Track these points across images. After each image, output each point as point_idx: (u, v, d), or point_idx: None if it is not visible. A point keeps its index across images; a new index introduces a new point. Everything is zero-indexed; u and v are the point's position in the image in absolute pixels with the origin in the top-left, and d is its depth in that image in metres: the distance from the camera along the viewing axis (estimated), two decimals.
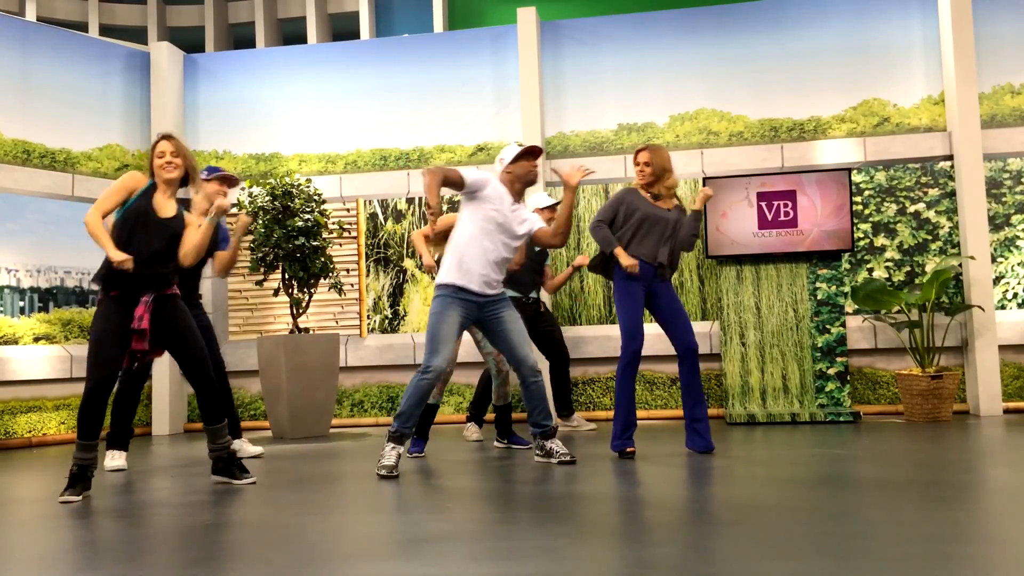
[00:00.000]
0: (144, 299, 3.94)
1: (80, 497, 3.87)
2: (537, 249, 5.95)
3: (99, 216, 3.91)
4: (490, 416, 6.43)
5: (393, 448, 4.25)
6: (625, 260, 4.54)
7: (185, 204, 4.25)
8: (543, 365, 6.90)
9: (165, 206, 4.04)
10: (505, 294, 4.48)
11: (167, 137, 4.11)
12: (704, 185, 6.51)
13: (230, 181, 5.28)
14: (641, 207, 4.67)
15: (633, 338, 4.56)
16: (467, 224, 4.34)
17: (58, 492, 4.12)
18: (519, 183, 4.44)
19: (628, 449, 4.59)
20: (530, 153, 4.47)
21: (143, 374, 4.97)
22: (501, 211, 4.34)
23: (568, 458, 4.42)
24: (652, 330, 5.17)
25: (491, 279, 4.35)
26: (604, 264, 4.75)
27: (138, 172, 4.08)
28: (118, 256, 3.78)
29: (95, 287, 3.85)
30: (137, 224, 3.95)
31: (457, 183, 4.30)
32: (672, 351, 6.50)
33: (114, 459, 4.95)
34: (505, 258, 4.40)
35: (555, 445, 4.48)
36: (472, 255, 4.30)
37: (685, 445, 4.74)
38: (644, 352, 4.69)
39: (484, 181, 4.34)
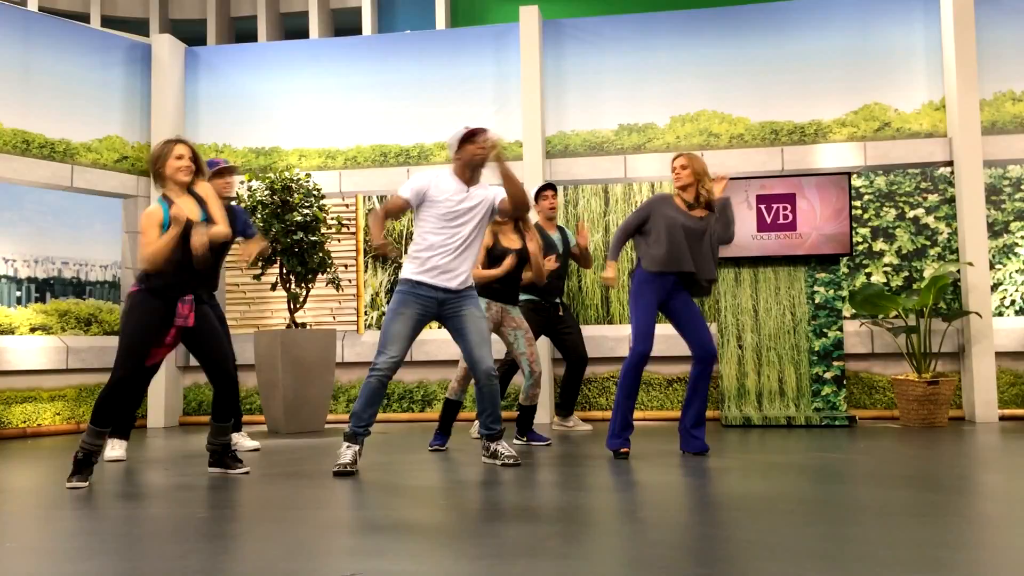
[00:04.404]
0: (188, 298, 4.03)
1: (87, 483, 3.90)
2: (561, 250, 5.96)
3: (151, 246, 3.96)
4: (511, 414, 6.47)
5: (348, 447, 4.25)
6: (607, 273, 4.62)
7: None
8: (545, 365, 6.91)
9: (190, 210, 4.08)
10: (472, 290, 4.41)
11: (183, 141, 4.17)
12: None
13: (231, 171, 5.30)
14: (670, 215, 4.57)
15: (642, 340, 4.52)
16: (423, 222, 4.33)
17: (53, 482, 4.13)
18: (468, 168, 4.36)
19: (623, 449, 4.58)
20: (470, 138, 4.36)
21: (154, 367, 5.00)
22: (451, 201, 4.29)
23: (512, 460, 4.39)
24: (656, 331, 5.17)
25: (454, 269, 4.28)
26: (642, 236, 4.68)
27: (152, 210, 4.05)
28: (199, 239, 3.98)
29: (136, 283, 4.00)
30: (184, 241, 4.01)
31: (402, 207, 4.33)
32: (670, 353, 6.54)
33: (113, 448, 4.98)
34: (468, 243, 4.32)
35: (500, 447, 4.45)
36: (430, 249, 4.27)
37: (680, 448, 4.73)
38: None
39: (423, 186, 4.30)
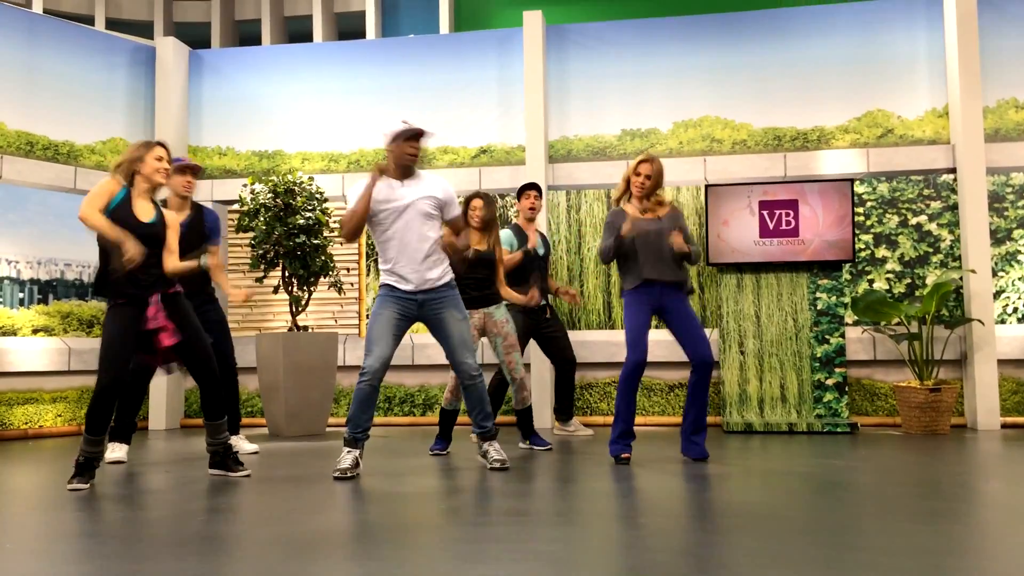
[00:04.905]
0: (153, 299, 4.02)
1: (88, 485, 3.93)
2: (542, 253, 5.94)
3: (96, 210, 3.92)
4: (508, 419, 6.48)
5: (348, 452, 4.25)
6: (624, 228, 4.46)
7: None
8: (536, 369, 6.91)
9: (144, 210, 4.06)
10: (452, 286, 4.39)
11: (162, 144, 4.16)
12: (707, 192, 6.50)
13: (193, 170, 5.12)
14: (634, 226, 4.56)
15: (635, 349, 4.50)
16: (375, 229, 4.33)
17: (54, 483, 4.14)
18: (396, 164, 4.32)
19: (623, 455, 4.58)
20: (412, 136, 4.31)
21: (151, 369, 4.99)
22: (388, 200, 4.26)
23: (500, 465, 4.39)
24: (653, 336, 5.16)
25: (420, 268, 4.26)
26: (617, 249, 4.60)
27: (112, 186, 4.02)
28: (133, 248, 3.83)
29: (98, 300, 3.95)
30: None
31: (364, 209, 4.22)
32: (671, 358, 6.52)
33: (114, 451, 4.99)
34: (426, 236, 4.27)
35: (491, 449, 4.47)
36: (394, 256, 4.27)
37: (681, 452, 4.72)
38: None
39: (363, 190, 4.25)
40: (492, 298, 5.24)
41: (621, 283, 4.71)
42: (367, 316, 7.46)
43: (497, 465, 4.39)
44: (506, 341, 5.18)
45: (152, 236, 4.03)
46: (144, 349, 4.07)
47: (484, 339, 5.57)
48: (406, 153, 4.31)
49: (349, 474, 4.17)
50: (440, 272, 4.34)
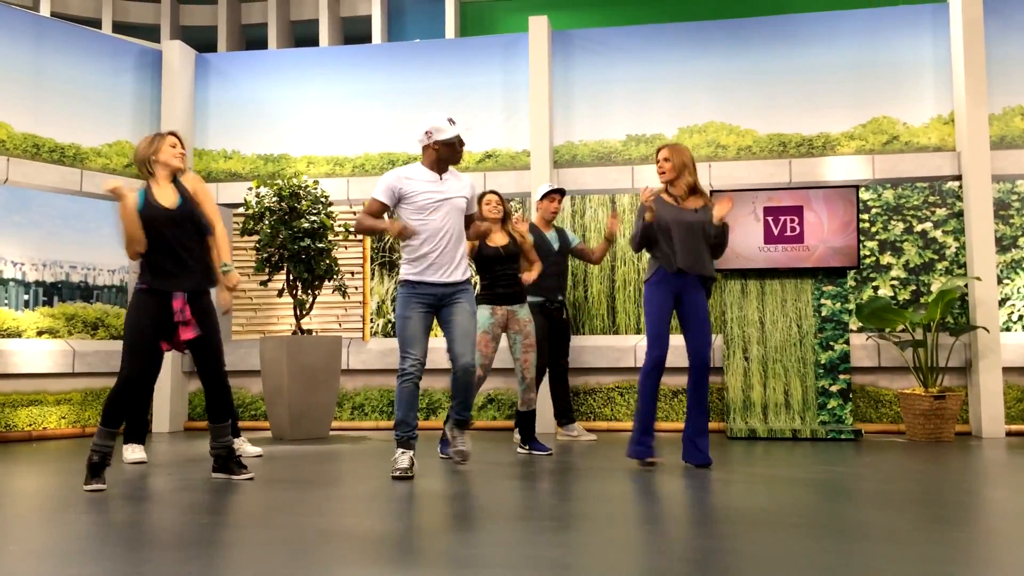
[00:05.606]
0: (180, 294, 4.05)
1: (106, 485, 3.92)
2: (557, 248, 5.99)
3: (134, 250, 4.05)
4: (509, 424, 6.50)
5: (403, 452, 4.33)
6: (645, 194, 4.49)
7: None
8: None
9: (167, 196, 4.10)
10: (469, 283, 4.47)
11: (173, 133, 4.28)
12: (711, 197, 6.49)
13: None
14: (664, 213, 4.58)
15: (655, 345, 4.52)
16: (414, 220, 4.37)
17: (57, 485, 4.14)
18: (443, 162, 4.41)
19: (649, 459, 4.56)
20: (462, 142, 4.44)
21: (155, 369, 5.00)
22: (427, 192, 4.35)
23: (460, 458, 4.57)
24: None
25: (449, 262, 4.37)
26: (645, 237, 4.63)
27: (122, 192, 3.99)
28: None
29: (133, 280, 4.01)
30: (153, 229, 4.04)
31: (379, 210, 4.38)
32: (677, 364, 6.52)
33: (134, 452, 5.03)
34: (456, 231, 4.39)
35: (459, 441, 4.59)
36: (422, 246, 4.33)
37: (682, 459, 4.71)
38: None
39: (394, 185, 4.35)
40: (519, 296, 5.34)
41: (648, 273, 4.70)
42: (370, 320, 7.46)
43: (457, 458, 4.58)
44: (526, 340, 5.28)
45: (181, 219, 4.08)
46: (162, 336, 4.11)
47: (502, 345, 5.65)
48: (459, 152, 4.44)
49: (409, 474, 4.27)
50: (465, 268, 4.46)
